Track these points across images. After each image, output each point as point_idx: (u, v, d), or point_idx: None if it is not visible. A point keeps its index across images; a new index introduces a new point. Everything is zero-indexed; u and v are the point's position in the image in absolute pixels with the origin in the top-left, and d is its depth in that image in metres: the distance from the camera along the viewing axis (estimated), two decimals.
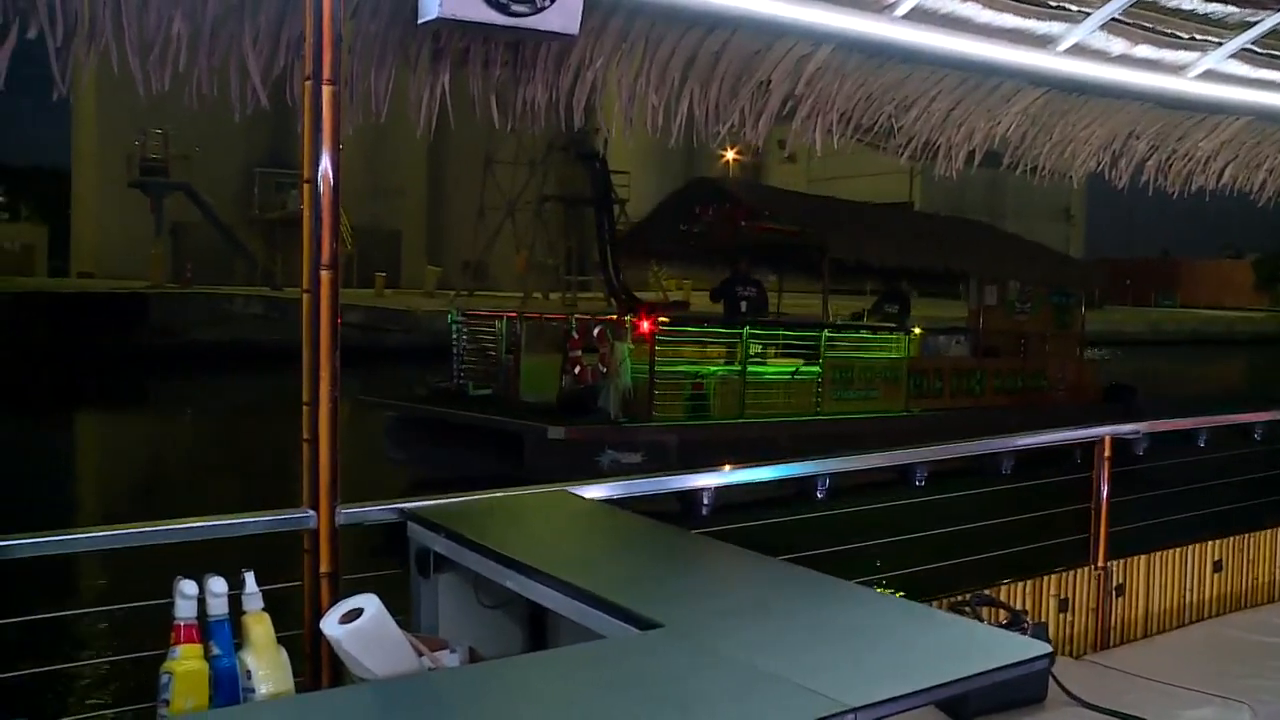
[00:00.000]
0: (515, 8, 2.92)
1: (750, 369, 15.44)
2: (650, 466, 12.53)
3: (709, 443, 13.87)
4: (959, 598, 3.90)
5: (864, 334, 17.97)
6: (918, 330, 18.41)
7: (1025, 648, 2.21)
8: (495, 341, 15.88)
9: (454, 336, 16.20)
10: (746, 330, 15.48)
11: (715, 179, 22.27)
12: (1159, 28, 4.38)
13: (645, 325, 14.37)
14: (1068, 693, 3.44)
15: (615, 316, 15.19)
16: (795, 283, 21.82)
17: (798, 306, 26.88)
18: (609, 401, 13.84)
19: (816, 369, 16.17)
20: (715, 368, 15.37)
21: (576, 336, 14.66)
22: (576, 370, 14.39)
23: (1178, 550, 4.93)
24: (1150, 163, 5.11)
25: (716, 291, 18.37)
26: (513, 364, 15.35)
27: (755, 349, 16.03)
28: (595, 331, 14.41)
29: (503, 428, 13.65)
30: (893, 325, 18.79)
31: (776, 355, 16.44)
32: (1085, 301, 21.17)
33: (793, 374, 16.10)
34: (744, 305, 17.48)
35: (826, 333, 16.62)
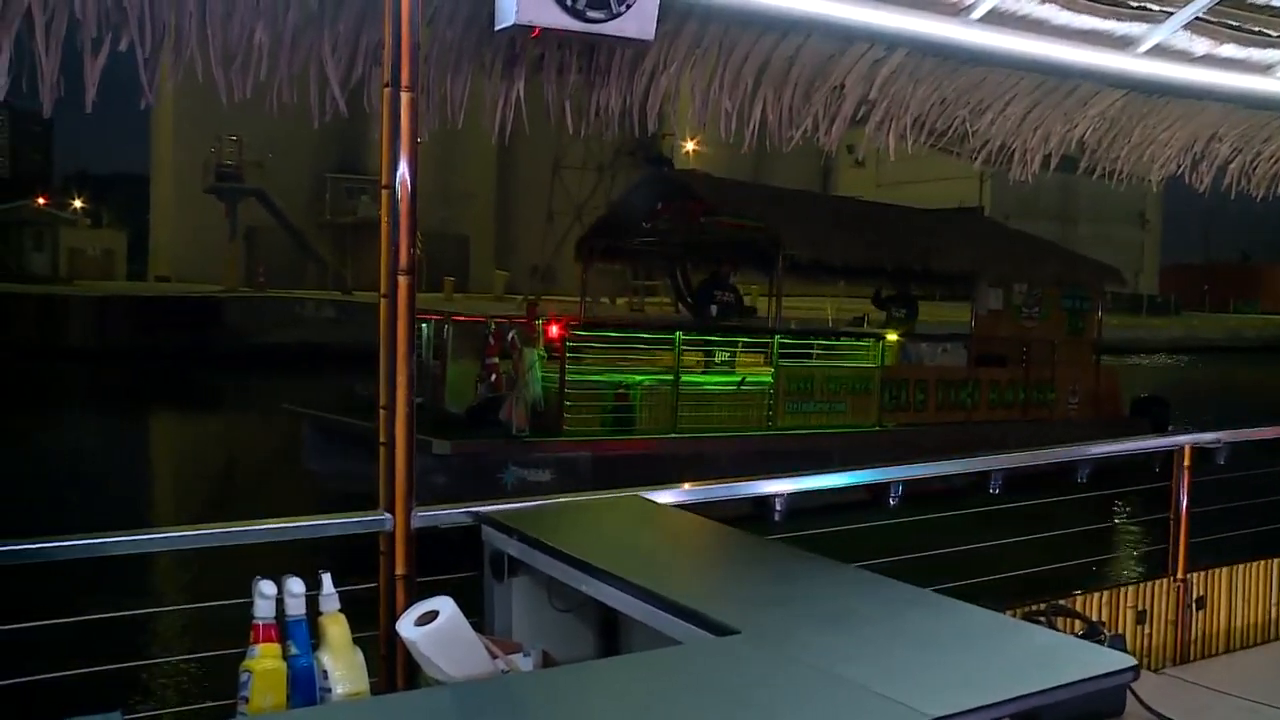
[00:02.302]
0: (591, 14, 2.94)
1: (687, 378, 13.95)
2: (559, 485, 11.70)
3: (630, 459, 12.42)
4: (1034, 607, 3.84)
5: (829, 340, 16.45)
6: (892, 336, 16.81)
7: (1108, 660, 2.16)
8: (424, 347, 14.33)
9: None
10: (679, 335, 14.01)
11: (672, 172, 20.11)
12: (1246, 26, 4.28)
13: (555, 330, 13.13)
14: (1148, 708, 3.36)
15: (525, 319, 13.66)
16: (756, 281, 19.77)
17: (805, 310, 26.00)
18: (510, 413, 12.46)
19: (768, 378, 14.56)
20: (642, 376, 13.83)
21: (493, 342, 13.27)
22: (493, 378, 13.07)
23: (1261, 563, 4.80)
24: (1233, 165, 5.00)
25: (703, 284, 17.17)
26: (439, 371, 14.08)
27: (722, 356, 14.84)
28: (509, 336, 13.04)
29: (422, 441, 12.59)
30: (860, 332, 17.63)
31: (764, 364, 15.02)
32: (1161, 305, 19.97)
33: (739, 384, 14.56)
34: (715, 309, 16.22)
35: (780, 338, 14.96)
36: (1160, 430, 16.18)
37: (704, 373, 14.68)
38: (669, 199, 16.82)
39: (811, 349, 15.69)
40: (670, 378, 13.64)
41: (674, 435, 13.42)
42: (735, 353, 15.15)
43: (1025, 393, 17.21)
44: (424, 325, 14.42)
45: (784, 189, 25.29)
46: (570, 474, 12.16)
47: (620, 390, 13.55)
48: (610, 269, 23.68)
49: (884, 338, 16.35)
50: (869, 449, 14.01)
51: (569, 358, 12.90)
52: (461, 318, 15.20)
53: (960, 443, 12.80)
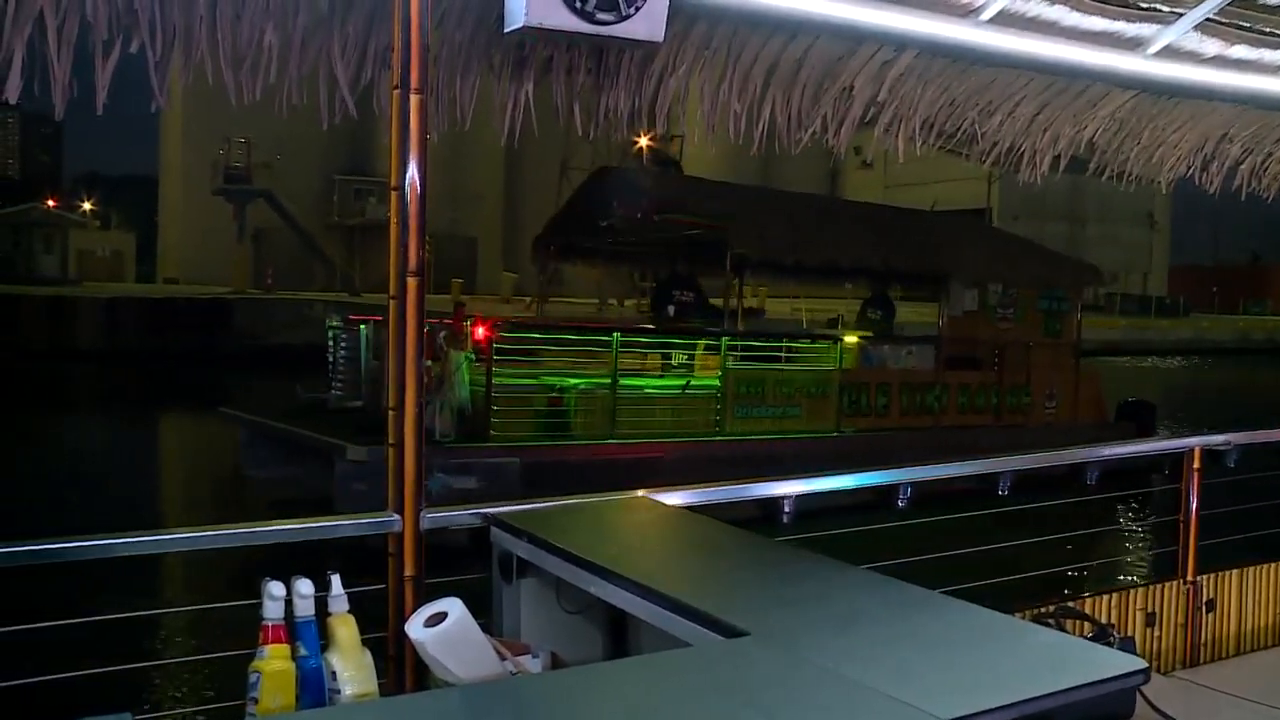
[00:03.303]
0: (601, 15, 2.94)
1: (627, 382, 13.27)
2: (487, 493, 10.87)
3: (564, 466, 11.80)
4: (1042, 609, 3.83)
5: (783, 342, 15.68)
6: (851, 338, 16.20)
7: (1118, 662, 2.16)
8: (364, 349, 13.90)
9: (330, 344, 14.39)
10: (616, 337, 13.34)
11: (623, 169, 19.21)
12: (1256, 27, 4.27)
13: (480, 331, 12.46)
14: (1158, 710, 3.35)
15: (453, 320, 12.97)
16: (715, 280, 18.37)
17: (792, 312, 25.37)
18: (434, 418, 11.79)
19: (715, 382, 13.97)
20: (577, 380, 13.25)
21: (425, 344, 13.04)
22: (424, 381, 12.74)
23: (1273, 565, 4.79)
24: (1244, 166, 4.98)
25: (661, 285, 16.55)
26: (379, 372, 13.14)
27: (680, 359, 14.23)
28: (439, 338, 12.38)
29: (317, 446, 11.92)
30: (817, 334, 17.03)
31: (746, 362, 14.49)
32: (1170, 306, 19.31)
33: (683, 388, 13.93)
34: (673, 310, 15.52)
35: (727, 340, 14.29)
36: (1146, 435, 15.90)
37: (647, 376, 14.11)
38: (624, 197, 16.15)
39: (764, 351, 15.09)
40: (608, 381, 13.07)
41: (612, 441, 12.86)
42: (694, 355, 14.52)
43: (998, 397, 16.65)
44: (362, 326, 14.04)
45: (746, 186, 24.22)
46: (498, 481, 11.60)
47: (553, 394, 13.02)
48: (571, 269, 23.07)
49: (841, 340, 15.79)
50: (824, 455, 13.41)
51: (496, 360, 12.37)
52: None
53: (925, 449, 12.42)
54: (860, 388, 15.32)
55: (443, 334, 12.31)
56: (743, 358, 14.60)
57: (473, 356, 12.37)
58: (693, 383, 14.06)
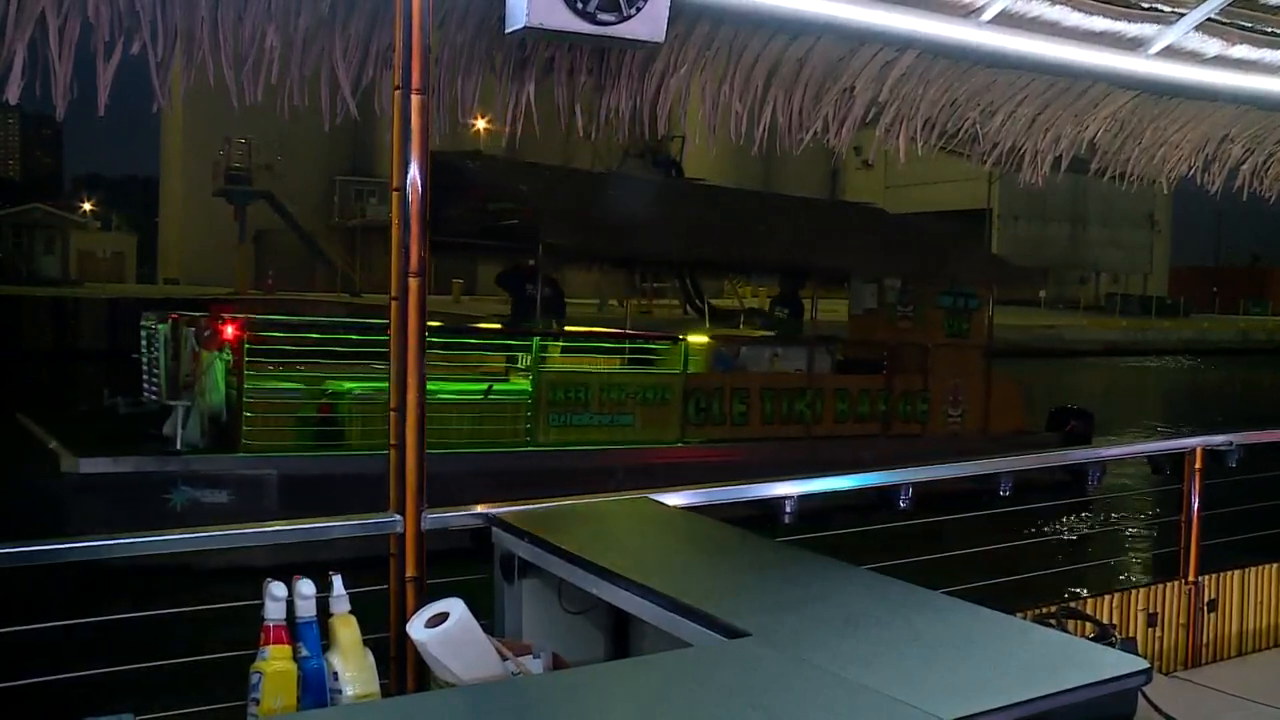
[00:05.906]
0: (602, 16, 2.94)
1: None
2: (241, 510, 10.07)
3: (332, 480, 10.28)
4: (1044, 610, 3.83)
5: (610, 343, 14.25)
6: (698, 338, 14.77)
7: (1120, 663, 2.16)
8: (163, 350, 12.73)
9: (144, 343, 13.24)
10: None
11: (449, 155, 17.51)
12: (1258, 27, 4.27)
13: (229, 331, 11.13)
14: (1159, 711, 3.35)
15: (207, 319, 11.69)
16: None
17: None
18: (176, 425, 10.84)
19: (525, 386, 12.61)
20: (351, 384, 11.83)
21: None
22: (179, 384, 11.52)
23: (1275, 566, 4.79)
24: (1245, 167, 4.98)
25: (504, 278, 15.52)
26: (174, 373, 12.26)
27: (526, 361, 12.91)
28: (200, 338, 11.31)
29: (52, 456, 10.56)
30: (657, 334, 15.57)
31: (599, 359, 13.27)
32: (1170, 307, 17.69)
33: (485, 393, 12.59)
34: (518, 305, 14.59)
35: (539, 341, 12.92)
36: (1080, 445, 14.43)
37: (446, 380, 12.70)
38: (456, 186, 14.85)
39: (595, 352, 13.86)
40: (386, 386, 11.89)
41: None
42: (540, 357, 13.11)
43: (888, 404, 15.05)
44: (161, 325, 12.83)
45: (586, 172, 22.18)
46: (252, 497, 10.48)
47: (324, 400, 11.70)
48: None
49: (685, 339, 14.24)
50: (660, 468, 12.42)
51: (253, 362, 11.09)
52: (196, 319, 12.83)
53: (790, 461, 11.24)
54: (712, 393, 13.86)
55: (205, 333, 11.37)
56: (627, 358, 13.62)
57: (229, 358, 11.18)
58: (498, 387, 12.82)
